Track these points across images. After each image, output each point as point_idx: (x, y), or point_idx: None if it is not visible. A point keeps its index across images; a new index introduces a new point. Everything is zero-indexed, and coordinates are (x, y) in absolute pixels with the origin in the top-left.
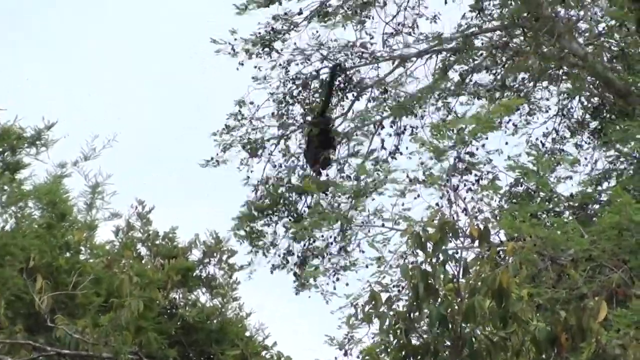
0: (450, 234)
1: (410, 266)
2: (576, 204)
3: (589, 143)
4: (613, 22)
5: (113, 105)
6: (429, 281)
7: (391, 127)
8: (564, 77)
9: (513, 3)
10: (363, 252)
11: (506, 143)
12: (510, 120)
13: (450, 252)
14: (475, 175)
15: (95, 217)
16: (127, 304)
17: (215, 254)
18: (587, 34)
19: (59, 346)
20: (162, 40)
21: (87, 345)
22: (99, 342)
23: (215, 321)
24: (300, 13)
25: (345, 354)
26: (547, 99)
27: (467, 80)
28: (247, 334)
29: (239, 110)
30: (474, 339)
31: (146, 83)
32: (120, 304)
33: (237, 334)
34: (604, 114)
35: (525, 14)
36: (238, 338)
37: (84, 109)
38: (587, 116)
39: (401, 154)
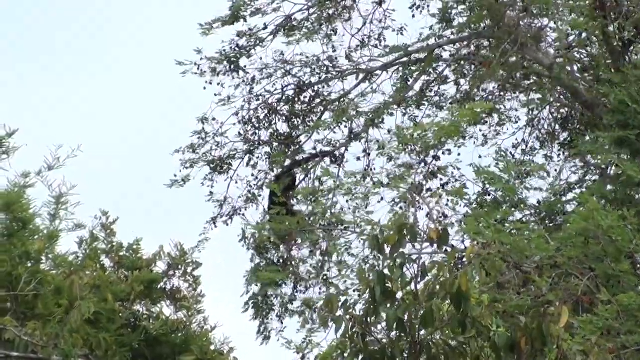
0: (409, 237)
1: (366, 269)
2: (543, 212)
3: (559, 155)
4: (584, 34)
5: (113, 106)
6: (387, 284)
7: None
8: (533, 88)
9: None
10: (324, 256)
11: (480, 157)
12: (482, 129)
13: (409, 255)
14: (441, 179)
15: (59, 227)
16: (77, 305)
17: (180, 266)
18: (557, 44)
19: (9, 349)
20: (162, 42)
21: (36, 348)
22: (48, 345)
23: (179, 334)
24: (265, 28)
25: (303, 358)
26: (516, 110)
27: (431, 92)
28: (212, 347)
29: (203, 128)
30: (431, 344)
31: (146, 84)
32: (70, 305)
33: (202, 347)
34: (573, 125)
35: (487, 23)
36: (202, 352)
37: (84, 108)
38: (557, 127)
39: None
